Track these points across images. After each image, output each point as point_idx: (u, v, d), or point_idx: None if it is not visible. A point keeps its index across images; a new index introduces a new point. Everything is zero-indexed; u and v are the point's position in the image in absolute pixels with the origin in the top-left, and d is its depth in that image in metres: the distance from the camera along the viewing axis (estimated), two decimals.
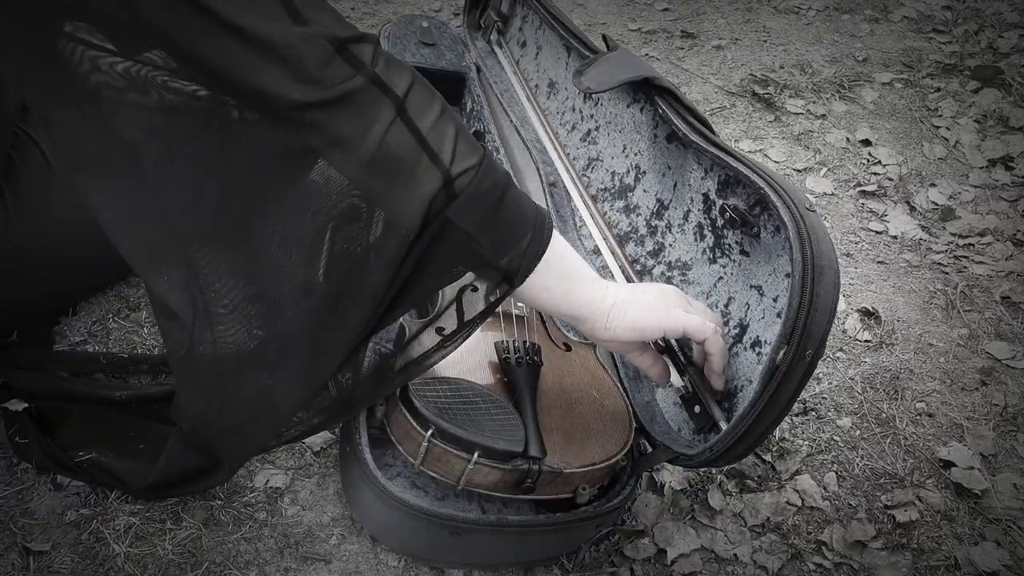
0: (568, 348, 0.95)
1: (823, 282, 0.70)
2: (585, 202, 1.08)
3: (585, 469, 0.80)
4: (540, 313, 0.98)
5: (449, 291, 0.91)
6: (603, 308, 0.74)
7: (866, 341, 1.21)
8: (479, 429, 0.78)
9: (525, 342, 0.89)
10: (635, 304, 0.75)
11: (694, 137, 0.87)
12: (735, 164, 0.81)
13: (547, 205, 1.14)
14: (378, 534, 0.86)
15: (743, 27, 2.05)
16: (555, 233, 0.70)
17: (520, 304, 0.96)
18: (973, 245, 1.41)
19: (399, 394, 0.80)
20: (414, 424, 0.78)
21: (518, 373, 0.85)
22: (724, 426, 0.79)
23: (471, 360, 0.87)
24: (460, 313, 0.86)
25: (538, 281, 0.69)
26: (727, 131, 1.67)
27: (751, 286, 0.84)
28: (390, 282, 0.66)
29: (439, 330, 0.84)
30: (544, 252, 0.68)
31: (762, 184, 0.77)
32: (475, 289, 0.91)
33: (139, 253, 0.71)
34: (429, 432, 0.77)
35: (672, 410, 0.89)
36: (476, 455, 0.76)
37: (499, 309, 0.94)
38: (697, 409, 0.81)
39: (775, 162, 1.59)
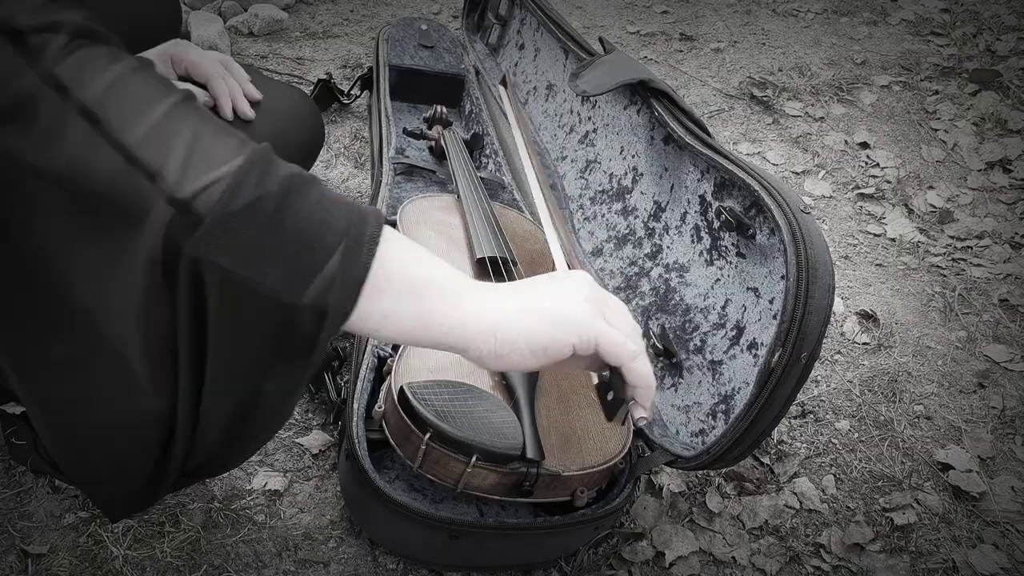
0: None
1: (817, 284, 0.70)
2: (583, 204, 1.09)
3: (583, 472, 0.80)
4: None
5: None
6: (482, 327, 0.54)
7: (864, 344, 1.21)
8: (477, 432, 0.77)
9: None
10: (531, 317, 0.55)
11: (690, 139, 0.87)
12: (730, 166, 0.82)
13: (546, 207, 1.14)
14: (376, 537, 0.86)
15: (742, 30, 2.06)
16: (394, 238, 0.52)
17: None
18: (971, 248, 1.41)
19: (397, 397, 0.80)
20: (412, 427, 0.78)
21: (516, 376, 0.85)
22: (636, 409, 0.67)
23: (470, 363, 0.87)
24: None
25: (371, 308, 0.50)
26: (725, 134, 1.67)
27: (748, 288, 0.84)
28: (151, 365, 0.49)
29: None
30: (367, 269, 0.49)
31: (756, 186, 0.78)
32: None
33: None
34: (427, 435, 0.77)
35: (670, 412, 0.89)
36: (474, 458, 0.76)
37: None
38: (610, 396, 0.64)
39: (773, 165, 1.59)
